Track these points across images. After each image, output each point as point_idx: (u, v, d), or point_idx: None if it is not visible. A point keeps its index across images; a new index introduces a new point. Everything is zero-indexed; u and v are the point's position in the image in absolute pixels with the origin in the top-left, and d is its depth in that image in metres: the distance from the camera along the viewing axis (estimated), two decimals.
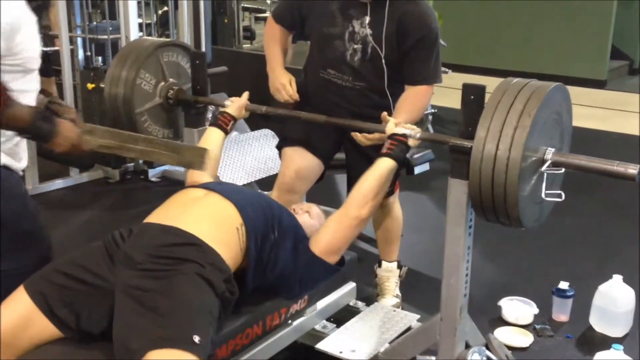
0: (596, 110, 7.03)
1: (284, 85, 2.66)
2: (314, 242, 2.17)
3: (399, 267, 3.04)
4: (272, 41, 2.78)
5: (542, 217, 2.11)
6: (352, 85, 2.61)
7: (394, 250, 3.03)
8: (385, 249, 3.03)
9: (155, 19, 5.77)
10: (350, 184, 2.86)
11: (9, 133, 1.96)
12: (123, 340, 1.70)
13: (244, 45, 7.53)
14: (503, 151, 1.86)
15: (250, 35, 7.81)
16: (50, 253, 2.12)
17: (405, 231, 3.11)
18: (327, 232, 2.18)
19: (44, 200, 4.10)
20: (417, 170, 3.75)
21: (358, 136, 2.38)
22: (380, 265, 3.04)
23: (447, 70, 5.24)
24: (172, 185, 4.43)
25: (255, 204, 2.13)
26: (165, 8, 5.74)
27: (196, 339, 1.67)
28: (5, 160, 1.98)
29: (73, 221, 3.99)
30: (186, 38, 4.94)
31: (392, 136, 2.20)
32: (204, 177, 2.35)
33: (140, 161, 4.66)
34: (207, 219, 2.01)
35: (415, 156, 3.72)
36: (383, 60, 2.50)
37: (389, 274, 3.02)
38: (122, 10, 4.61)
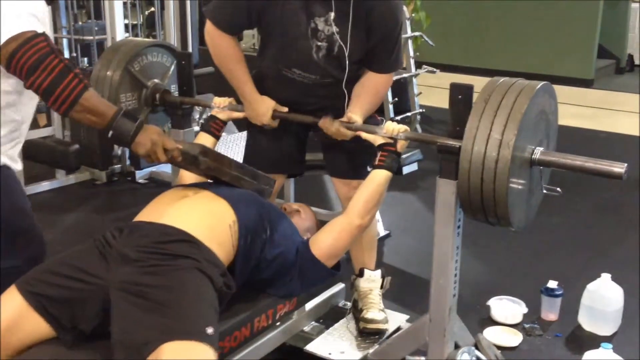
0: (584, 109, 7.06)
1: (262, 120, 2.50)
2: (314, 244, 2.17)
3: (382, 276, 2.64)
4: (233, 63, 2.47)
5: (530, 216, 2.11)
6: (320, 83, 2.47)
7: (373, 256, 2.68)
8: (360, 258, 2.65)
9: (142, 20, 5.74)
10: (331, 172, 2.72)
11: (13, 136, 1.95)
12: (127, 335, 1.68)
13: None
14: (492, 151, 1.85)
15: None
16: (44, 252, 2.10)
17: (393, 231, 3.10)
18: (328, 236, 2.18)
19: (30, 203, 4.05)
20: (406, 170, 3.74)
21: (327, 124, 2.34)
22: (362, 275, 2.62)
23: (434, 70, 5.23)
24: (159, 187, 4.39)
25: (248, 201, 2.12)
26: (152, 9, 5.71)
27: (209, 330, 1.68)
28: (5, 160, 1.96)
29: (60, 223, 3.95)
30: (173, 39, 4.91)
31: (382, 147, 2.22)
32: (193, 180, 2.33)
33: (128, 162, 4.64)
34: (198, 216, 1.99)
35: (404, 156, 3.71)
36: (347, 59, 2.37)
37: (372, 284, 2.61)
38: (108, 10, 4.58)
